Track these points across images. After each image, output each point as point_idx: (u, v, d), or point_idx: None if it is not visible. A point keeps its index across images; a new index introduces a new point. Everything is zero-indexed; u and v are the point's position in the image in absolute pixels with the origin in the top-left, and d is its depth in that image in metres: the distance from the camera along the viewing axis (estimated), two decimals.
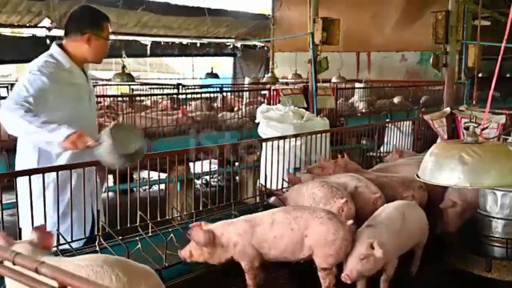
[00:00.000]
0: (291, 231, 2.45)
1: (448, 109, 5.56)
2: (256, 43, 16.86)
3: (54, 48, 3.02)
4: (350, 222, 2.48)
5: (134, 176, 5.19)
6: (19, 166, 3.06)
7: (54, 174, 2.68)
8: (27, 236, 2.06)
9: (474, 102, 5.90)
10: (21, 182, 2.54)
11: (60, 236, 2.57)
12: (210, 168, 6.61)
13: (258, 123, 4.89)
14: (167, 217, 3.31)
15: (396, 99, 9.96)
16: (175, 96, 8.41)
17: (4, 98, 7.81)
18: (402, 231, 2.68)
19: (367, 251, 2.39)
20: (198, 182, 5.75)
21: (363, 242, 2.43)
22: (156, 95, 8.71)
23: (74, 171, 2.76)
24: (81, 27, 3.02)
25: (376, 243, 2.39)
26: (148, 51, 14.84)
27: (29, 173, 2.59)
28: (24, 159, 3.03)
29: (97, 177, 2.91)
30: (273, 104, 6.53)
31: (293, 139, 4.05)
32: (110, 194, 3.93)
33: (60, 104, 2.90)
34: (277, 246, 2.45)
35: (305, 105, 6.69)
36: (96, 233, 2.72)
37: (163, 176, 4.08)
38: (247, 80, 13.75)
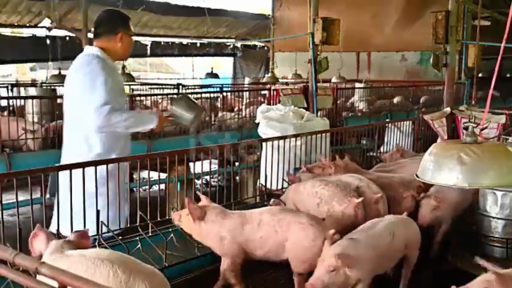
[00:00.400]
0: (275, 233, 2.44)
1: (448, 109, 5.56)
2: (256, 43, 16.86)
3: (95, 49, 3.39)
4: (332, 231, 2.35)
5: (134, 176, 5.20)
6: (67, 159, 3.32)
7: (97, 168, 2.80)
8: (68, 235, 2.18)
9: (474, 102, 5.90)
10: (63, 175, 2.79)
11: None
12: (210, 168, 6.61)
13: (258, 123, 4.89)
14: (167, 217, 3.31)
15: (396, 99, 9.96)
16: (175, 96, 8.39)
17: (4, 98, 7.83)
18: (384, 251, 2.46)
19: (337, 263, 2.16)
20: (198, 182, 5.75)
21: (335, 253, 2.20)
22: (156, 95, 8.69)
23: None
24: (114, 27, 3.41)
25: (343, 258, 2.17)
26: (148, 51, 14.84)
27: (29, 173, 2.59)
28: (72, 153, 3.35)
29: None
30: (273, 104, 6.53)
31: (293, 139, 4.05)
32: None
33: (116, 92, 3.35)
34: (263, 247, 2.45)
35: (305, 105, 6.69)
36: (96, 233, 2.73)
37: (163, 176, 4.09)
38: (247, 80, 13.74)
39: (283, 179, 3.73)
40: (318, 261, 2.24)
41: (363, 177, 3.24)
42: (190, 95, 3.99)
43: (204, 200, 2.63)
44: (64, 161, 3.36)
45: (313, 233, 2.37)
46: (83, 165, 2.74)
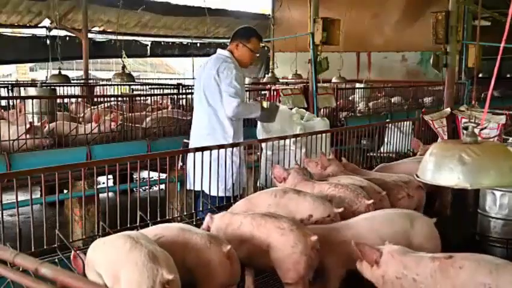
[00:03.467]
0: (252, 238, 2.37)
1: (448, 109, 5.56)
2: None
3: (225, 51, 4.21)
4: (315, 237, 2.31)
5: (134, 176, 5.19)
6: (205, 141, 3.93)
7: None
8: None
9: (473, 102, 5.90)
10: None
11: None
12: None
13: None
14: (167, 217, 3.31)
15: (394, 99, 9.95)
16: (175, 96, 8.40)
17: (4, 98, 7.83)
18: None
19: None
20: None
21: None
22: (156, 95, 8.70)
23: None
24: (235, 38, 4.26)
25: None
26: (148, 51, 14.83)
27: (29, 173, 2.59)
28: (218, 136, 4.06)
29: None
30: None
31: (293, 139, 4.05)
32: (110, 194, 3.94)
33: (243, 90, 4.14)
34: (242, 250, 2.36)
35: (305, 105, 6.69)
36: (96, 233, 2.73)
37: (163, 176, 4.09)
38: (247, 80, 13.73)
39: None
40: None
41: (363, 179, 3.24)
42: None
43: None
44: (202, 142, 3.88)
45: (293, 239, 2.28)
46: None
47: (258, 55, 4.43)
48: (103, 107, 7.22)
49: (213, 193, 3.76)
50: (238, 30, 4.35)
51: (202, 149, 3.40)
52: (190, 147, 3.98)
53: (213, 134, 4.07)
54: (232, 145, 3.67)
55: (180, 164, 4.05)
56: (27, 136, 5.10)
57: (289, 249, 2.28)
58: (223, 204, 3.51)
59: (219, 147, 3.49)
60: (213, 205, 3.34)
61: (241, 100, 4.00)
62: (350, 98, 9.70)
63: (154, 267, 1.91)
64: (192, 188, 3.63)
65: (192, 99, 8.34)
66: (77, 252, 2.31)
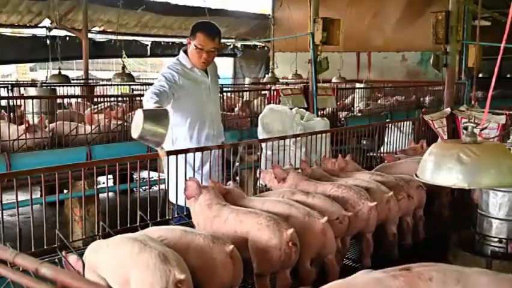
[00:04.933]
0: (234, 233, 2.41)
1: (448, 109, 5.56)
2: (256, 43, 16.86)
3: (180, 54, 3.87)
4: (291, 231, 2.31)
5: (134, 176, 5.20)
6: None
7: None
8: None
9: (473, 102, 5.90)
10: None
11: None
12: (210, 168, 6.60)
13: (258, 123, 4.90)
14: (167, 217, 3.31)
15: (393, 99, 9.95)
16: None
17: (4, 98, 7.83)
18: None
19: None
20: None
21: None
22: None
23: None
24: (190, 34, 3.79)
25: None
26: (148, 51, 14.84)
27: (29, 173, 2.60)
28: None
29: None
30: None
31: (293, 139, 4.05)
32: (110, 194, 3.94)
33: (184, 92, 3.73)
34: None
35: (305, 105, 6.69)
36: (96, 233, 2.73)
37: (163, 176, 4.09)
38: (247, 80, 13.74)
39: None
40: None
41: (370, 180, 3.22)
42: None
43: (210, 183, 2.68)
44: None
45: (268, 233, 2.31)
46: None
47: (213, 53, 3.87)
48: (103, 106, 7.23)
49: (173, 201, 3.44)
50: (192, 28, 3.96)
51: (202, 149, 3.40)
52: None
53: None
54: (232, 145, 3.67)
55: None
56: (27, 136, 5.11)
57: (264, 243, 2.32)
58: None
59: (219, 147, 3.48)
60: (181, 213, 3.19)
61: (155, 87, 3.56)
62: (349, 98, 9.71)
63: (166, 268, 1.90)
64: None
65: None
66: (74, 253, 2.31)
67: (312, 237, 2.48)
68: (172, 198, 3.38)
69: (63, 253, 2.34)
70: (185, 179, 2.81)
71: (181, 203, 3.28)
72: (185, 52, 3.87)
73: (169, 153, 3.26)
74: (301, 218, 2.50)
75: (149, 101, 3.29)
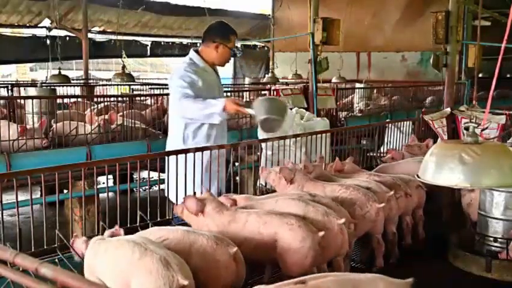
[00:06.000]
0: (259, 234, 2.38)
1: (448, 109, 5.56)
2: (256, 43, 16.86)
3: (191, 53, 3.94)
4: (322, 233, 2.33)
5: (134, 176, 5.19)
6: (169, 147, 3.87)
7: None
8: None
9: (474, 102, 5.90)
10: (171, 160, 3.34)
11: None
12: (210, 168, 6.60)
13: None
14: (167, 217, 3.30)
15: (395, 100, 9.95)
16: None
17: (4, 98, 7.83)
18: None
19: None
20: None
21: None
22: (156, 95, 8.69)
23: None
24: (212, 37, 3.89)
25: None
26: (148, 51, 14.83)
27: (29, 173, 2.59)
28: (173, 141, 3.88)
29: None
30: None
31: (293, 139, 4.05)
32: (110, 194, 3.93)
33: (200, 91, 3.74)
34: (247, 247, 2.36)
35: (305, 105, 6.69)
36: (96, 233, 2.73)
37: (163, 176, 4.08)
38: (247, 80, 13.73)
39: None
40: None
41: (371, 180, 3.22)
42: (282, 102, 3.89)
43: (205, 193, 2.61)
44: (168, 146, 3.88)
45: (301, 234, 2.31)
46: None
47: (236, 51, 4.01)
48: (102, 106, 7.22)
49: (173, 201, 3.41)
50: (213, 30, 4.08)
51: (202, 149, 3.39)
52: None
53: (169, 138, 4.02)
54: (232, 145, 3.66)
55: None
56: (27, 136, 5.09)
57: (298, 243, 2.30)
58: None
59: (219, 147, 3.48)
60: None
61: (187, 95, 3.66)
62: (349, 98, 9.70)
63: (169, 273, 1.86)
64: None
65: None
66: (76, 253, 2.30)
67: (332, 237, 2.46)
68: (172, 197, 3.36)
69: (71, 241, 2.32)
70: (187, 179, 2.81)
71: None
72: (196, 52, 3.97)
73: (168, 153, 3.26)
74: (321, 218, 2.49)
75: (203, 108, 3.61)
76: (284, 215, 2.44)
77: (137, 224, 2.85)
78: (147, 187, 3.24)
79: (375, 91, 9.93)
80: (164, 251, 1.99)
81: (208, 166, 3.56)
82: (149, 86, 10.94)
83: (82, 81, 12.01)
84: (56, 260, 2.52)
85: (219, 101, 3.64)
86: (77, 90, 10.48)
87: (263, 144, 4.39)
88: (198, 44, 4.19)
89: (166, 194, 3.50)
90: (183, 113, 3.72)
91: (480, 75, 8.29)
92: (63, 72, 10.37)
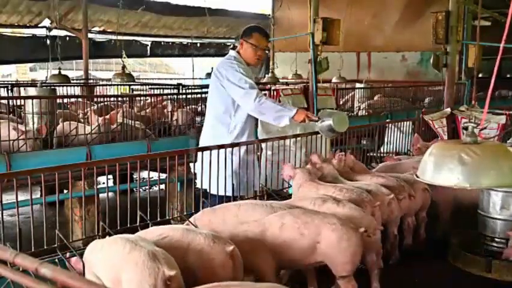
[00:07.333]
0: (300, 236, 2.39)
1: (448, 109, 5.56)
2: None
3: (232, 52, 4.13)
4: (362, 229, 2.42)
5: (134, 176, 5.20)
6: (208, 137, 3.97)
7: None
8: None
9: (474, 102, 5.90)
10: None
11: None
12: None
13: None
14: (167, 217, 3.31)
15: (395, 100, 9.95)
16: (175, 96, 8.39)
17: (4, 98, 7.82)
18: None
19: None
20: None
21: None
22: (156, 95, 8.68)
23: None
24: (241, 36, 4.13)
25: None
26: (148, 51, 14.83)
27: (29, 173, 2.59)
28: (216, 132, 3.96)
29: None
30: None
31: (293, 139, 4.05)
32: (110, 194, 3.94)
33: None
34: (287, 254, 2.38)
35: (305, 106, 6.68)
36: (96, 233, 2.73)
37: (163, 176, 4.09)
38: None
39: (283, 179, 3.72)
40: None
41: (371, 183, 3.23)
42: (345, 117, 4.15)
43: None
44: (204, 141, 3.95)
45: (346, 233, 2.35)
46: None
47: (266, 51, 4.31)
48: (102, 106, 7.22)
49: (213, 192, 3.73)
50: (242, 30, 4.30)
51: (202, 149, 3.40)
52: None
53: (209, 132, 4.06)
54: (232, 145, 3.67)
55: None
56: (26, 136, 5.09)
57: (345, 243, 2.34)
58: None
59: (219, 147, 3.49)
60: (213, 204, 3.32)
61: (252, 86, 3.87)
62: (349, 96, 9.69)
63: (155, 265, 1.91)
64: (200, 186, 3.71)
65: (192, 99, 8.41)
66: (76, 253, 2.31)
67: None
68: (207, 187, 3.63)
69: (66, 255, 2.34)
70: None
71: (220, 193, 3.59)
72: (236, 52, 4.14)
73: (202, 149, 3.56)
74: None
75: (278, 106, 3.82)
76: (323, 214, 2.54)
77: (137, 224, 2.85)
78: (147, 187, 3.24)
79: (375, 92, 9.93)
80: (153, 247, 2.04)
81: (245, 158, 3.80)
82: (149, 86, 10.94)
83: (82, 81, 12.00)
84: (56, 260, 2.52)
85: (293, 107, 3.88)
86: (77, 90, 10.48)
87: (263, 144, 4.39)
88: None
89: (197, 185, 3.75)
90: (255, 105, 3.79)
91: (480, 75, 8.30)
92: (63, 72, 10.35)
